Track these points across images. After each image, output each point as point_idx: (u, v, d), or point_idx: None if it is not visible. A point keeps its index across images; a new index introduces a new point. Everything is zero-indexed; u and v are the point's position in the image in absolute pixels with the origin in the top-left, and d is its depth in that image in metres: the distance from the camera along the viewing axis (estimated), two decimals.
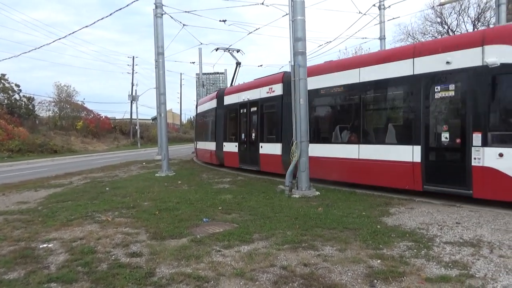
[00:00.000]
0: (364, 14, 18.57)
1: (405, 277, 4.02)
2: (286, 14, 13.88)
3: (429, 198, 8.33)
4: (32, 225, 6.94)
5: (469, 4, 26.28)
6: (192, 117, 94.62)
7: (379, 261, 4.53)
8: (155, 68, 18.21)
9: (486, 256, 4.61)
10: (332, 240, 5.45)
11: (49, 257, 5.08)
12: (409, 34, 30.11)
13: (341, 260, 4.60)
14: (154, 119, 53.71)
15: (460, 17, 27.36)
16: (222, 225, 6.57)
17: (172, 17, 15.90)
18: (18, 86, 42.52)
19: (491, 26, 24.87)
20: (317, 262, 4.57)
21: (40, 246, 5.56)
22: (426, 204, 7.89)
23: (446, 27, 28.19)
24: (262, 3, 15.16)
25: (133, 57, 54.57)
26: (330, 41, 32.89)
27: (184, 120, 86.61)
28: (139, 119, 52.62)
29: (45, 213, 7.98)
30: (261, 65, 37.81)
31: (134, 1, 13.89)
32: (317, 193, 9.41)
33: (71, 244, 5.59)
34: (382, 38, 19.84)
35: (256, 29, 18.68)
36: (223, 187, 11.30)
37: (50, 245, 5.60)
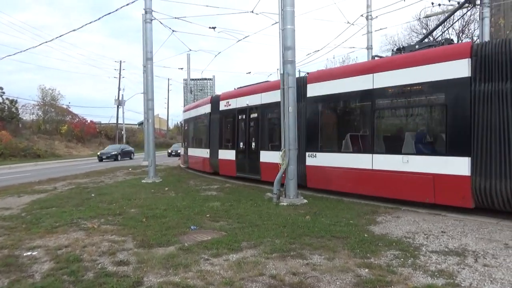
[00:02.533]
0: (352, 24, 18.89)
1: (392, 286, 4.06)
2: (276, 23, 14.01)
3: (415, 207, 8.44)
4: (15, 232, 6.78)
5: (453, 17, 26.90)
6: (178, 122, 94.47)
7: (367, 270, 4.57)
8: (143, 73, 18.17)
9: (471, 265, 4.69)
10: (320, 248, 5.48)
11: (33, 265, 4.97)
12: (395, 44, 30.67)
13: (330, 269, 4.62)
14: (141, 124, 53.22)
15: (444, 29, 28.00)
16: (210, 233, 6.54)
17: (161, 23, 15.90)
18: (1, 88, 41.80)
19: (475, 38, 25.57)
20: (306, 271, 4.58)
21: (24, 254, 5.44)
22: (412, 213, 7.99)
23: (432, 38, 28.78)
24: (252, 11, 15.27)
25: (120, 61, 53.96)
26: (318, 50, 33.17)
27: (171, 126, 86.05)
28: (125, 124, 52.10)
29: (29, 219, 7.82)
30: (249, 72, 38.00)
31: (123, 6, 13.84)
32: (305, 201, 9.45)
33: (56, 252, 5.48)
34: (369, 48, 20.17)
35: (246, 37, 18.80)
36: (210, 194, 11.26)
37: (34, 253, 5.48)
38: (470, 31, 27.72)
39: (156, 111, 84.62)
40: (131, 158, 37.69)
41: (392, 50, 11.44)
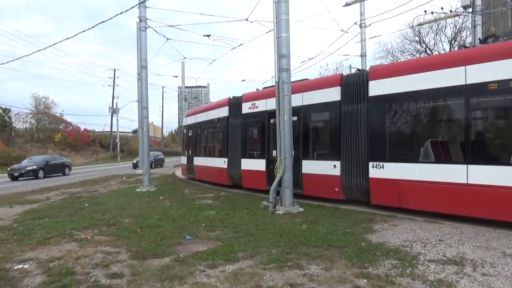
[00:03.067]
0: (346, 32, 18.95)
1: None
2: (270, 31, 14.07)
3: (411, 215, 8.41)
4: (6, 244, 6.64)
5: (445, 24, 27.27)
6: (173, 130, 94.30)
7: (365, 280, 4.50)
8: (138, 81, 18.11)
9: (469, 274, 4.65)
10: (317, 258, 5.41)
11: (24, 279, 4.85)
12: (389, 52, 30.98)
13: (328, 279, 4.56)
14: (135, 132, 53.08)
15: (437, 36, 28.34)
16: (206, 243, 6.45)
17: (156, 31, 15.87)
18: None
19: (467, 45, 25.89)
20: (303, 282, 4.51)
21: (15, 267, 5.31)
22: (409, 221, 7.96)
23: (424, 45, 29.12)
24: (247, 19, 15.30)
25: (115, 69, 53.98)
26: (312, 58, 33.32)
27: (165, 133, 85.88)
28: (119, 132, 51.88)
29: (20, 231, 7.67)
30: (244, 80, 38.04)
31: (118, 15, 13.80)
32: (301, 209, 9.39)
33: (48, 265, 5.37)
34: (363, 55, 20.29)
35: (240, 45, 18.83)
36: (206, 202, 11.16)
37: (25, 266, 5.36)
38: (462, 38, 28.03)
39: (151, 119, 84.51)
40: (64, 174, 27.21)
41: (480, 39, 9.40)
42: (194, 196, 12.76)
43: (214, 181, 15.79)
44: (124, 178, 21.16)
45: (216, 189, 14.60)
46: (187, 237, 6.84)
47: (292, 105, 10.68)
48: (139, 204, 10.92)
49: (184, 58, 26.31)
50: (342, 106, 9.99)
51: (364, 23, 19.61)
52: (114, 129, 52.14)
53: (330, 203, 10.04)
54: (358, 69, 10.52)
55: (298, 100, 11.10)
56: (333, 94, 10.27)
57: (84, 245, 6.41)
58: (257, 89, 14.35)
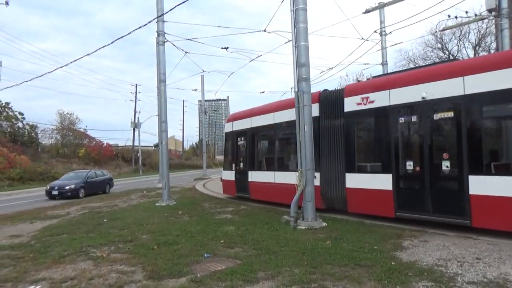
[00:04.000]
0: (366, 40, 18.53)
1: None
2: (289, 41, 13.83)
3: (441, 229, 7.87)
4: (22, 262, 6.51)
5: (469, 30, 26.45)
6: (194, 143, 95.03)
7: None
8: (157, 95, 18.18)
9: None
10: (344, 279, 5.01)
11: None
12: (411, 60, 30.23)
13: None
14: (157, 146, 53.57)
15: (460, 42, 27.52)
16: (225, 262, 6.14)
17: (174, 45, 15.89)
18: (22, 114, 42.78)
19: (492, 51, 24.99)
20: None
21: None
22: (440, 236, 7.43)
23: (447, 52, 28.30)
24: (264, 30, 15.15)
25: (136, 84, 55.04)
26: (332, 67, 32.81)
27: (186, 147, 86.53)
28: (141, 146, 52.58)
29: (37, 248, 7.56)
30: (263, 92, 37.85)
31: (136, 29, 13.93)
32: (324, 224, 8.97)
33: (60, 286, 5.18)
34: (384, 63, 19.86)
35: (258, 56, 18.55)
36: (225, 217, 10.86)
37: (38, 287, 5.18)
38: (487, 44, 27.11)
39: (172, 133, 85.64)
40: None
41: None
42: (214, 210, 12.49)
43: (287, 203, 10.29)
44: (144, 192, 21.14)
45: (236, 202, 14.28)
46: (205, 254, 6.56)
47: (446, 95, 8.20)
48: (158, 219, 10.72)
49: (203, 71, 26.42)
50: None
51: (385, 30, 19.22)
52: (136, 143, 52.88)
53: (355, 217, 9.56)
54: None
55: (455, 87, 8.04)
56: None
57: (99, 264, 6.21)
58: (358, 80, 11.14)
